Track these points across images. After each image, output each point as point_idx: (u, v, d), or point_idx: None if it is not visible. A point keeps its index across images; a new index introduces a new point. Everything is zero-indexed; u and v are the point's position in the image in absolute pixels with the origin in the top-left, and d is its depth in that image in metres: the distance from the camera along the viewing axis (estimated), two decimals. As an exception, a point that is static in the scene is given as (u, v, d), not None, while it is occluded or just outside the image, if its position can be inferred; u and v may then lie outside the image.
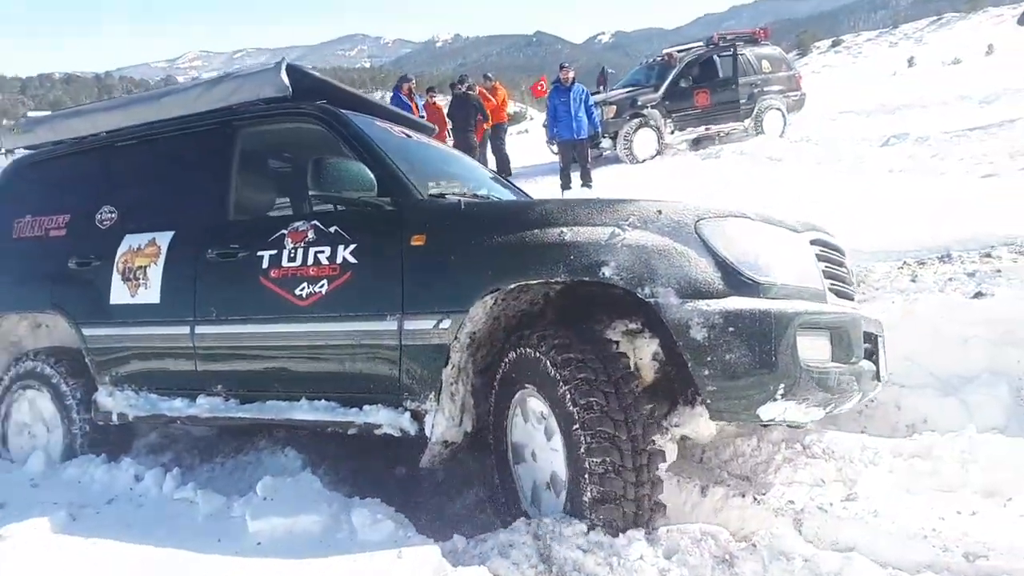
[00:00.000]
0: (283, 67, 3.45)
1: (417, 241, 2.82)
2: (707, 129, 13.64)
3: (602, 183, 10.73)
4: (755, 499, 2.51)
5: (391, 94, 12.83)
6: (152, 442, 3.64)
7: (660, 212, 2.52)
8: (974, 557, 2.08)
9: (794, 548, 2.04)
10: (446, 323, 2.69)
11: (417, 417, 2.78)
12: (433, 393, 2.74)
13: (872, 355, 2.72)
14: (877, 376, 2.72)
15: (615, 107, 12.89)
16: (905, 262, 5.03)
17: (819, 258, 2.67)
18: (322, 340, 2.97)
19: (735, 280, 2.37)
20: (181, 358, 3.29)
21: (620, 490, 2.30)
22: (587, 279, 2.49)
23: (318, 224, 3.04)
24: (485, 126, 12.65)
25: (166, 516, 2.67)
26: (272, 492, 2.60)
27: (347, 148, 3.12)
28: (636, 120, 12.70)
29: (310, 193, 2.87)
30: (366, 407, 2.88)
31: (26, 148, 4.33)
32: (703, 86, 13.43)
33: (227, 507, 2.64)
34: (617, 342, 2.69)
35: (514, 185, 4.67)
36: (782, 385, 2.27)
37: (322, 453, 3.29)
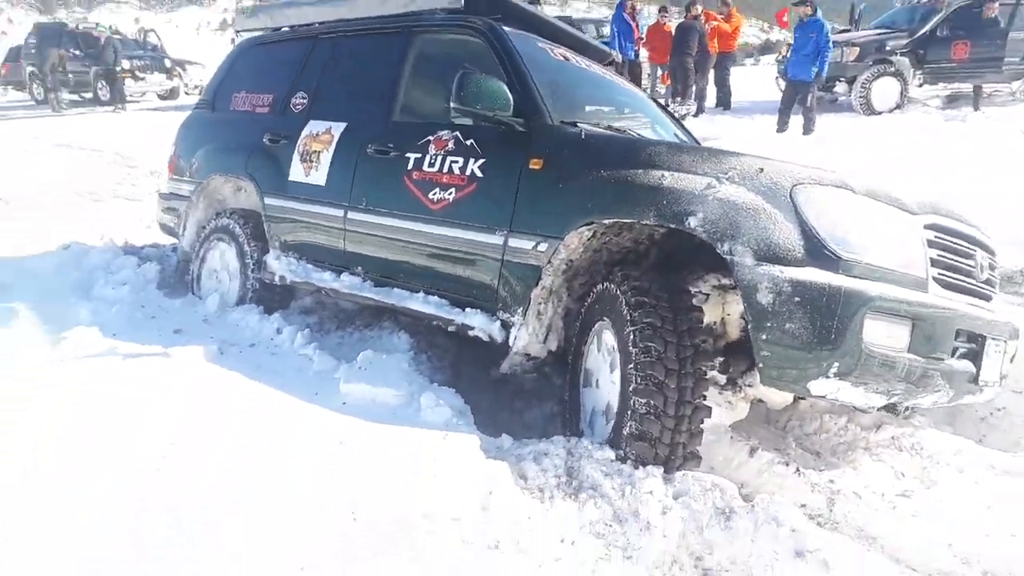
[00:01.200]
0: None
1: (535, 164, 3.00)
2: (961, 85, 12.13)
3: (825, 132, 10.05)
4: (798, 471, 2.52)
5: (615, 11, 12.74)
6: (305, 305, 4.22)
7: (762, 170, 2.49)
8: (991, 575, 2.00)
9: (788, 517, 2.07)
10: (543, 246, 2.88)
11: (506, 327, 3.03)
12: (522, 308, 2.96)
13: (975, 356, 2.55)
14: (976, 379, 2.56)
15: (858, 49, 11.78)
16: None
17: (931, 244, 2.52)
18: (442, 243, 3.27)
19: (817, 251, 2.33)
20: (334, 237, 3.76)
21: (656, 432, 2.41)
22: (673, 226, 2.56)
23: (459, 135, 3.29)
24: (710, 51, 12.27)
25: (288, 366, 3.19)
26: (368, 364, 3.01)
27: (498, 64, 3.31)
28: (879, 67, 11.57)
29: (451, 105, 3.07)
30: (468, 309, 3.17)
31: (251, 31, 4.97)
32: (964, 37, 11.85)
33: (334, 368, 3.09)
34: (701, 294, 2.75)
35: (682, 126, 4.63)
36: (836, 364, 2.24)
37: (432, 343, 3.66)
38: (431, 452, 2.39)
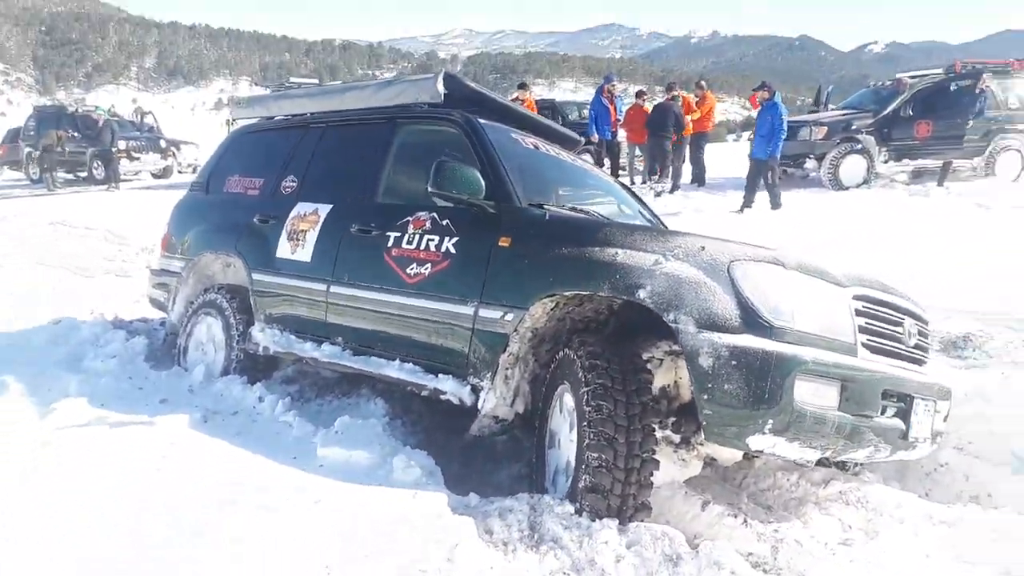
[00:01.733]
0: (440, 78, 4.01)
1: (504, 242, 3.24)
2: (926, 161, 12.70)
3: (793, 207, 10.45)
4: (746, 522, 2.69)
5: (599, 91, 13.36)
6: (287, 375, 4.40)
7: (703, 248, 2.74)
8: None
9: (730, 561, 2.23)
10: (510, 316, 3.10)
11: (475, 391, 3.22)
12: (490, 373, 3.16)
13: (904, 415, 2.76)
14: (906, 436, 2.76)
15: (826, 128, 12.39)
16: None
17: (859, 313, 2.75)
18: (417, 314, 3.49)
19: (752, 320, 2.55)
20: (317, 309, 3.97)
21: (608, 484, 2.59)
22: (625, 298, 2.79)
23: (435, 216, 3.55)
24: (684, 134, 12.92)
25: (269, 432, 3.36)
26: (344, 429, 3.18)
27: (472, 152, 3.61)
28: (846, 144, 12.13)
29: (429, 190, 3.32)
30: (440, 375, 3.36)
31: (246, 119, 5.30)
32: (927, 117, 12.46)
33: (312, 433, 3.26)
34: (655, 359, 2.97)
35: (646, 205, 4.91)
36: (771, 421, 2.44)
37: (406, 408, 3.84)
38: (401, 510, 2.55)
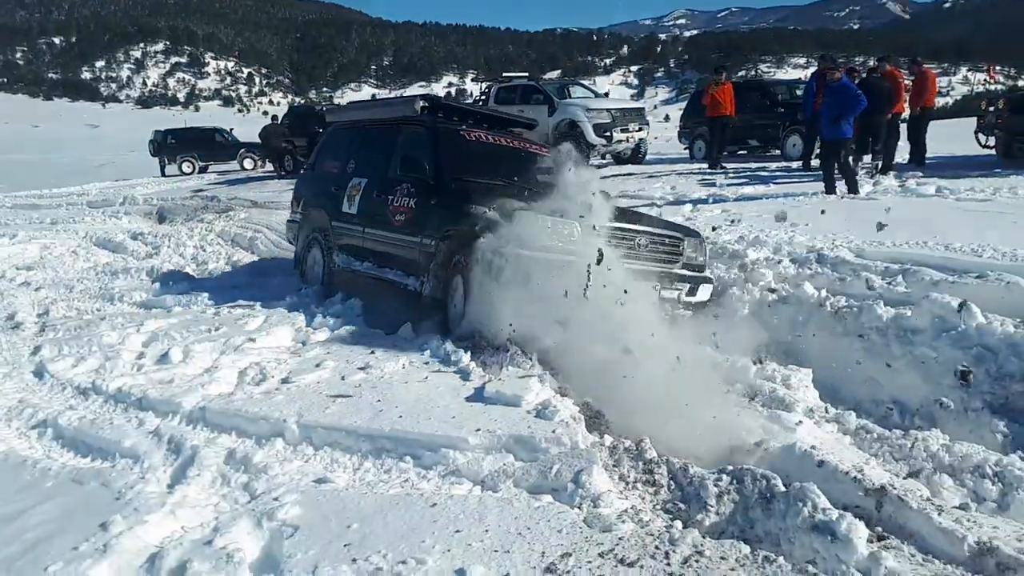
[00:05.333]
0: (418, 101, 6.66)
1: (433, 202, 5.74)
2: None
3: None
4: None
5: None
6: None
7: (504, 205, 5.02)
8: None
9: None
10: (434, 242, 5.56)
11: (423, 283, 5.69)
12: (428, 275, 5.62)
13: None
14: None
15: None
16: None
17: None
18: (399, 243, 6.04)
19: None
20: (357, 241, 6.68)
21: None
22: (471, 229, 5.12)
23: (407, 184, 6.08)
24: (896, 111, 12.37)
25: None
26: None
27: (429, 146, 6.15)
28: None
29: (397, 173, 6.07)
30: (409, 276, 5.89)
31: (336, 120, 8.41)
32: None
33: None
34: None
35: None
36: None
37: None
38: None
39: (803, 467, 3.20)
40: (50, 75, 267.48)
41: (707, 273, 5.78)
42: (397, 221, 6.10)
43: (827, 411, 4.42)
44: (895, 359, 4.90)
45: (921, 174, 11.28)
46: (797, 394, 4.49)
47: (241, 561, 2.50)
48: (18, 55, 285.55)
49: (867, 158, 12.36)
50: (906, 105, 12.85)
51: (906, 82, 12.95)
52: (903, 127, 13.02)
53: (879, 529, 2.73)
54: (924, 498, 2.93)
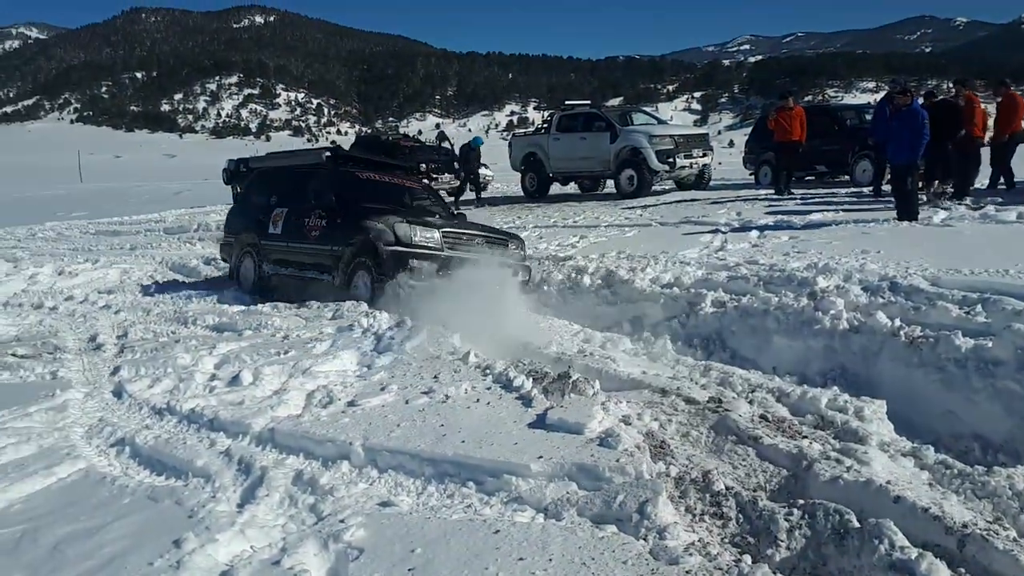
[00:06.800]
0: (324, 154, 9.30)
1: (337, 220, 8.22)
2: None
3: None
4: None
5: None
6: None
7: (390, 218, 7.67)
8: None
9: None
10: (341, 248, 7.98)
11: (334, 278, 8.06)
12: (338, 271, 8.02)
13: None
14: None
15: None
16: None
17: (445, 236, 7.65)
18: (314, 251, 8.44)
19: (399, 242, 7.43)
20: (282, 254, 9.01)
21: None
22: (365, 239, 7.65)
23: (319, 211, 8.48)
24: (975, 134, 11.88)
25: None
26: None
27: (331, 185, 8.60)
28: None
29: (312, 202, 8.63)
30: (323, 274, 8.32)
31: (258, 166, 11.19)
32: None
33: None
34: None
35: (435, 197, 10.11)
36: (401, 273, 7.32)
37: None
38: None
39: (878, 503, 3.07)
40: (132, 108, 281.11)
41: (526, 263, 8.43)
42: (312, 236, 8.49)
43: (903, 445, 4.25)
44: (975, 392, 4.70)
45: (1001, 200, 10.87)
46: (870, 426, 4.33)
47: (308, 583, 2.53)
48: (103, 89, 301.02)
49: (936, 183, 11.96)
50: (988, 130, 12.39)
51: (984, 107, 12.47)
52: (985, 152, 12.52)
53: (961, 571, 2.60)
54: (1011, 539, 2.78)
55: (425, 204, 9.40)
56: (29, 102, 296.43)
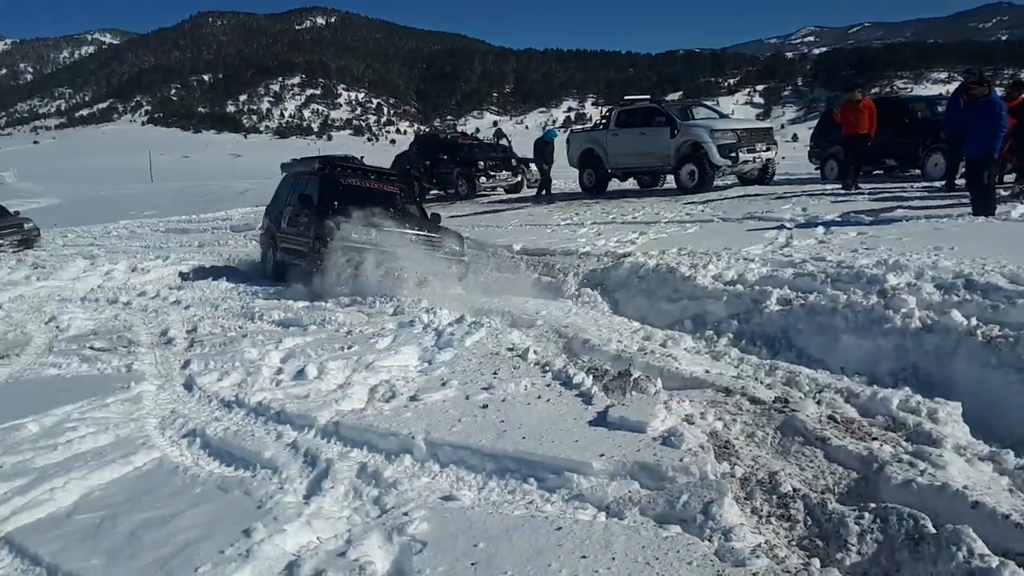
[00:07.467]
0: (317, 162, 11.55)
1: (313, 217, 9.80)
2: None
3: None
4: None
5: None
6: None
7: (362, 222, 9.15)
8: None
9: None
10: (310, 238, 9.59)
11: (310, 263, 9.49)
12: (312, 256, 9.44)
13: None
14: None
15: None
16: None
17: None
18: (299, 240, 10.17)
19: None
20: (285, 243, 10.84)
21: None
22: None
23: (306, 209, 10.09)
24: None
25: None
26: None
27: (318, 188, 10.38)
28: None
29: (299, 204, 10.42)
30: (303, 259, 9.95)
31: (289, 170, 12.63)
32: None
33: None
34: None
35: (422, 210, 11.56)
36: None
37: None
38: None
39: (955, 508, 2.96)
40: (199, 109, 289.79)
41: (463, 257, 9.68)
42: (299, 229, 10.18)
43: (980, 449, 4.08)
44: (1059, 394, 4.49)
45: None
46: (945, 429, 4.16)
47: (373, 574, 2.57)
48: (172, 92, 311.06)
49: (1009, 178, 11.55)
50: None
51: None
52: None
53: (1046, 581, 2.48)
54: (1100, 549, 2.65)
55: (399, 206, 10.94)
56: (103, 105, 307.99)
